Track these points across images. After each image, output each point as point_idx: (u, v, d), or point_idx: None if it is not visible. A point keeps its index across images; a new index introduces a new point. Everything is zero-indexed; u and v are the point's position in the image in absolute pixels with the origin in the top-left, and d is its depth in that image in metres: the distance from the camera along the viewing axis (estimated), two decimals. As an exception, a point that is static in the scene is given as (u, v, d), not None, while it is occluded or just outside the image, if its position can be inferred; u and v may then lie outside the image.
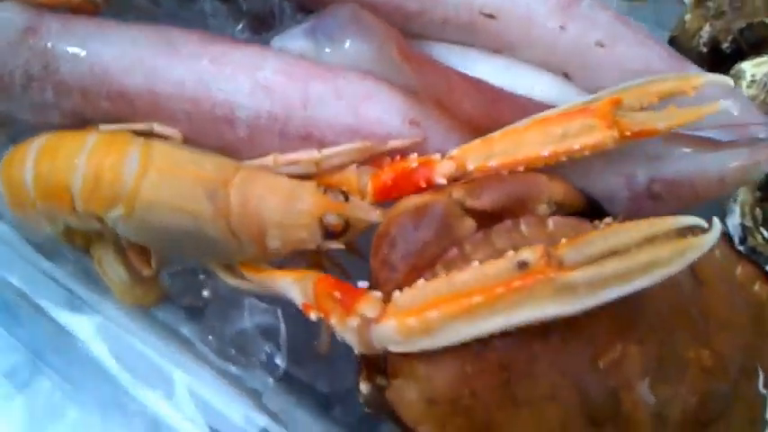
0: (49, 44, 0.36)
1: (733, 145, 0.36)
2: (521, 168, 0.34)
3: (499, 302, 0.29)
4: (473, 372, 0.31)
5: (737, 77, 0.42)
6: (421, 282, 0.31)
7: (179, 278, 0.39)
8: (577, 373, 0.31)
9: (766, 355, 0.34)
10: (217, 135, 0.36)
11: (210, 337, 0.38)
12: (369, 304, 0.30)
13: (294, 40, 0.39)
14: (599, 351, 0.31)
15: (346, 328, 0.31)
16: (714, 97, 0.34)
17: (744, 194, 0.40)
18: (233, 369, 0.37)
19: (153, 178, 0.33)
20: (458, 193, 0.34)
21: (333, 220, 0.34)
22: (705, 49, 0.45)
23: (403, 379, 0.32)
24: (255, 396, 0.37)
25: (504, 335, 0.30)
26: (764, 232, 0.40)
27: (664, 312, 0.32)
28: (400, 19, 0.40)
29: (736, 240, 0.40)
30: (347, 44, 0.38)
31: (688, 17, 0.46)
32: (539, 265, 0.29)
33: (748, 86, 0.41)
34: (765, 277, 0.35)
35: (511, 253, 0.30)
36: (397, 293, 0.31)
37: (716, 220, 0.30)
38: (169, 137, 0.36)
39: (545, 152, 0.34)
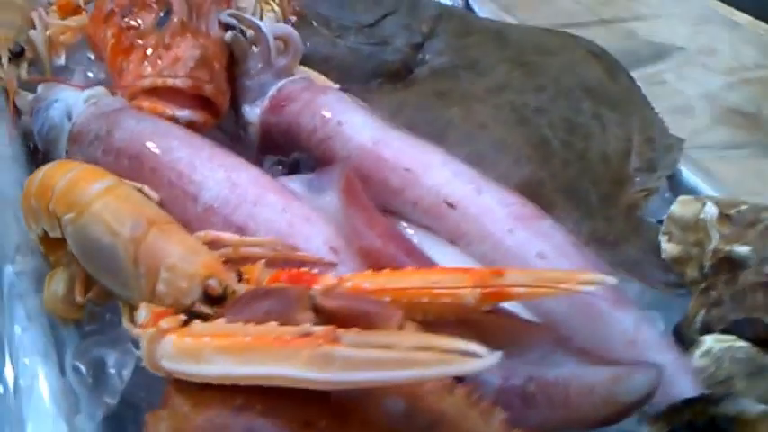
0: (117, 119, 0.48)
1: (615, 364, 0.34)
2: (387, 296, 0.35)
3: (264, 349, 0.30)
4: (225, 423, 0.30)
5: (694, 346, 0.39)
6: (222, 319, 0.32)
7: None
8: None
9: None
10: (182, 207, 0.43)
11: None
12: (170, 320, 0.32)
13: (293, 182, 0.46)
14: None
15: (143, 336, 0.32)
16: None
17: None
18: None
19: (106, 199, 0.40)
20: (316, 291, 0.35)
21: (214, 284, 0.37)
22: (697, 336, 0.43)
23: (167, 410, 0.32)
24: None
25: (267, 411, 0.30)
26: None
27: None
28: (385, 194, 0.45)
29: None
30: (325, 197, 0.44)
31: (691, 304, 0.45)
32: (319, 333, 0.30)
33: (701, 356, 0.38)
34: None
35: (308, 324, 0.31)
36: (197, 321, 0.33)
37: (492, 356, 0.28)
38: (150, 198, 0.43)
39: (408, 285, 0.35)
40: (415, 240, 0.44)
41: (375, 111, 0.51)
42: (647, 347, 0.38)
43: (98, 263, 0.40)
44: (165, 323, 0.32)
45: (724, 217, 0.46)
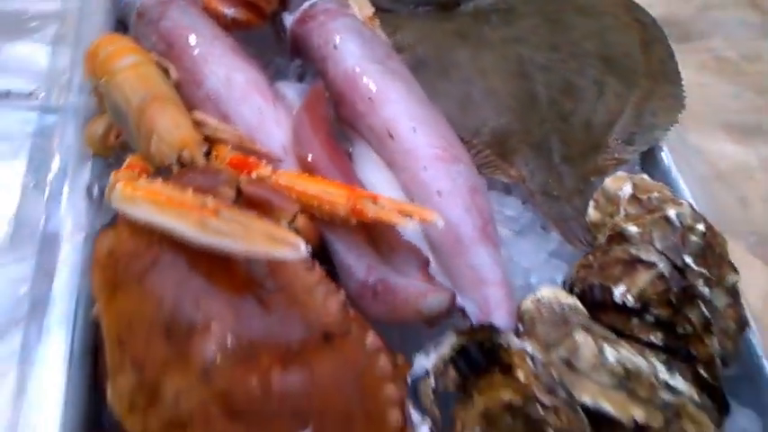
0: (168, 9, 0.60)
1: (435, 284, 0.44)
2: (293, 194, 0.46)
3: (171, 207, 0.42)
4: (140, 252, 0.44)
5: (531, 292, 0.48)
6: (159, 179, 0.45)
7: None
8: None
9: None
10: (189, 90, 0.55)
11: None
12: (125, 174, 0.45)
13: (288, 88, 0.57)
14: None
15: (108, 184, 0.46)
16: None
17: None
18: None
19: (129, 74, 0.53)
20: (243, 177, 0.47)
21: (186, 154, 0.50)
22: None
23: (112, 231, 0.45)
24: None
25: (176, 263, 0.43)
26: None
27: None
28: (353, 115, 0.55)
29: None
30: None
31: (576, 264, 0.52)
32: (209, 207, 0.42)
33: (531, 301, 0.47)
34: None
35: (211, 197, 0.43)
36: (144, 178, 0.45)
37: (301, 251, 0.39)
38: (170, 73, 0.56)
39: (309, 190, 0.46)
40: (364, 157, 0.54)
41: (378, 42, 0.60)
42: (485, 280, 0.47)
43: (118, 120, 0.54)
44: (120, 175, 0.45)
45: (634, 198, 0.52)
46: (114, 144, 0.56)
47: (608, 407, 0.40)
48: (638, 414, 0.40)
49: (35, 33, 0.76)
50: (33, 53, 0.74)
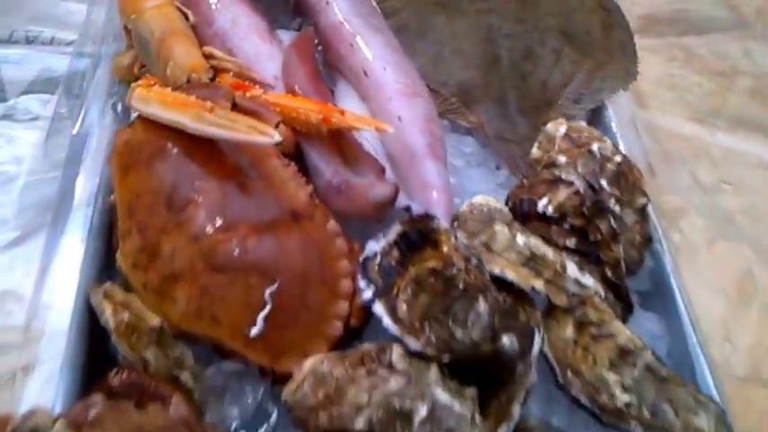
0: None
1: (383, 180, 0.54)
2: (276, 108, 0.57)
3: (176, 105, 0.53)
4: (150, 142, 0.54)
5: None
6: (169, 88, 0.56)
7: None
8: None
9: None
10: (202, 29, 0.66)
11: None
12: (143, 83, 0.56)
13: (284, 34, 0.68)
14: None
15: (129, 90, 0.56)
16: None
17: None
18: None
19: (154, 12, 0.64)
20: (239, 95, 0.58)
21: (194, 77, 0.61)
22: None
23: (130, 128, 0.56)
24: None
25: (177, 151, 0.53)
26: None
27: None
28: (336, 58, 0.66)
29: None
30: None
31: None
32: (206, 105, 0.52)
33: (467, 205, 0.56)
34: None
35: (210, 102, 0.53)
36: (158, 86, 0.56)
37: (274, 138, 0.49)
38: (189, 17, 0.67)
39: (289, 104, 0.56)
40: (343, 93, 0.64)
41: (365, 2, 0.70)
42: (430, 185, 0.56)
43: (142, 50, 0.65)
44: (138, 83, 0.56)
45: (567, 136, 0.62)
46: (138, 74, 0.67)
47: (512, 275, 0.49)
48: (538, 284, 0.49)
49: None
50: (76, 9, 0.86)
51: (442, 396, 0.42)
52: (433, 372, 0.44)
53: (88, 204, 0.57)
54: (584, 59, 0.75)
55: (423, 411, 0.42)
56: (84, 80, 0.75)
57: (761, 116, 1.00)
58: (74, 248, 0.56)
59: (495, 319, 0.44)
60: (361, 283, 0.51)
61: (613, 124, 0.72)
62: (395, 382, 0.43)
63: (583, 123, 0.65)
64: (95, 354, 0.51)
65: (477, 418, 0.43)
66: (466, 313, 0.45)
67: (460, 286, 0.46)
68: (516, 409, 0.45)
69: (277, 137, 0.49)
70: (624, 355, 0.51)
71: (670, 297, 0.59)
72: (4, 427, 0.38)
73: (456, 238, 0.50)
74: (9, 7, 0.86)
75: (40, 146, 0.71)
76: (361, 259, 0.52)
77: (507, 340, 0.44)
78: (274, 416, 0.51)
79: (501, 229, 0.52)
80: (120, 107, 0.65)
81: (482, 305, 0.45)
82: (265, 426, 0.50)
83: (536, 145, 0.64)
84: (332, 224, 0.53)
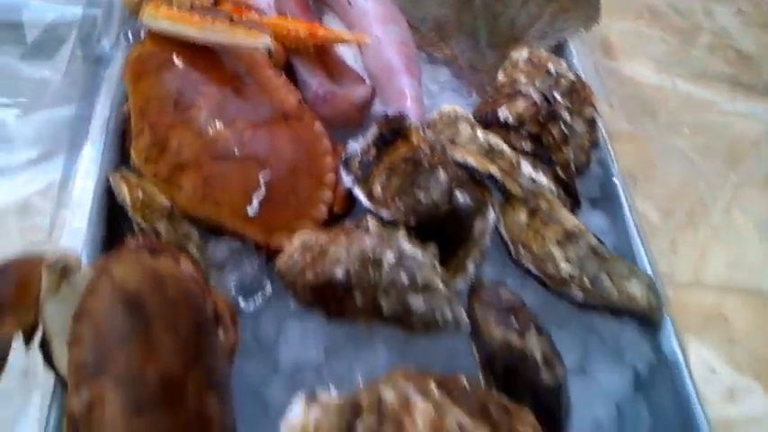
0: None
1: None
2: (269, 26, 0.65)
3: (182, 20, 0.61)
4: (159, 53, 0.62)
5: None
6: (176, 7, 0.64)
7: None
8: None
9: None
10: None
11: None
12: (154, 2, 0.64)
13: None
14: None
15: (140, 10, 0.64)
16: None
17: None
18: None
19: None
20: (236, 15, 0.66)
21: (196, 3, 0.68)
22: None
23: (139, 43, 0.64)
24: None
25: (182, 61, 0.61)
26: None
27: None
28: None
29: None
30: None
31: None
32: (209, 17, 0.60)
33: (437, 111, 0.64)
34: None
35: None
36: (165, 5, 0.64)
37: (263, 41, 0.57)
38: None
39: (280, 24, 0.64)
40: (329, 23, 0.72)
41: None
42: (404, 95, 0.65)
43: None
44: (149, 4, 0.64)
45: (529, 60, 0.70)
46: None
47: (471, 161, 0.57)
48: (494, 170, 0.58)
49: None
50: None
51: (408, 247, 0.51)
52: (401, 232, 0.52)
53: (105, 119, 0.65)
54: (549, 3, 0.83)
55: (391, 258, 0.50)
56: (97, 21, 0.83)
57: (719, 69, 1.08)
58: (92, 155, 0.63)
59: (452, 184, 0.53)
60: (343, 175, 0.59)
61: (575, 60, 0.80)
62: (369, 240, 0.51)
63: (543, 51, 0.73)
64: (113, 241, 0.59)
65: (437, 266, 0.51)
66: (428, 181, 0.53)
67: (425, 164, 0.54)
68: (471, 266, 0.53)
69: (269, 40, 0.57)
70: (570, 236, 0.59)
71: (615, 199, 0.67)
72: (39, 265, 0.46)
73: (424, 132, 0.59)
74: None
75: (57, 80, 0.79)
76: (343, 157, 0.60)
77: (461, 197, 0.52)
78: (269, 287, 0.58)
79: (464, 127, 0.60)
80: (131, 36, 0.72)
81: (442, 174, 0.53)
82: (260, 293, 0.58)
83: (501, 71, 0.73)
84: (318, 126, 0.61)
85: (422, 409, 0.43)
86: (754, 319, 0.79)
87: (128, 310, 0.43)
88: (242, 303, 0.57)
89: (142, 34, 0.68)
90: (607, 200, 0.68)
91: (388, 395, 0.44)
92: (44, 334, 0.46)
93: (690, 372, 0.56)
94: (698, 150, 0.95)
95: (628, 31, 1.13)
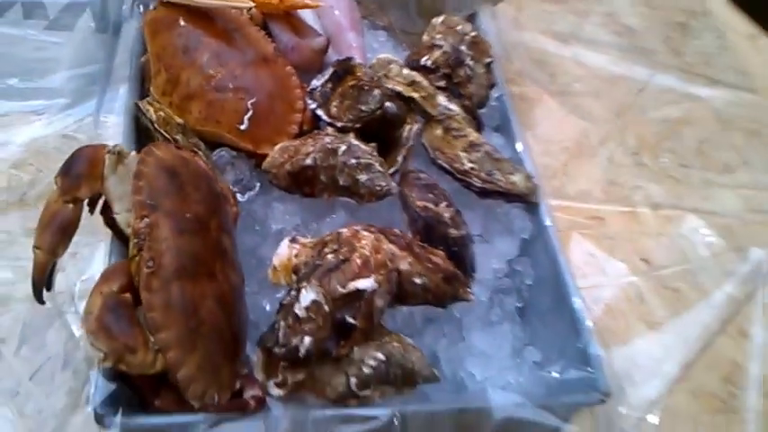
0: None
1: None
2: None
3: None
4: (169, 15, 0.84)
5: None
6: None
7: None
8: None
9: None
10: None
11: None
12: None
13: None
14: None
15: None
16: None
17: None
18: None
19: None
20: None
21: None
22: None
23: (153, 9, 0.86)
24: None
25: (188, 21, 0.84)
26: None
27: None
28: None
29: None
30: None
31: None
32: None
33: (374, 61, 0.88)
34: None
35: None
36: None
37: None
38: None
39: None
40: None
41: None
42: (352, 46, 0.88)
43: None
44: None
45: (443, 23, 0.94)
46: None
47: (400, 88, 0.81)
48: (416, 95, 0.81)
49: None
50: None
51: (355, 142, 0.74)
52: (351, 134, 0.75)
53: (129, 66, 0.87)
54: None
55: (344, 148, 0.73)
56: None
57: (609, 41, 1.34)
58: (121, 94, 0.85)
59: (384, 99, 0.76)
60: (309, 101, 0.82)
61: (482, 27, 1.04)
62: (328, 139, 0.74)
63: (455, 17, 0.97)
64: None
65: (376, 154, 0.74)
66: (367, 97, 0.76)
67: (366, 88, 0.78)
68: (400, 158, 0.76)
69: (251, 3, 0.80)
70: (473, 145, 0.83)
71: (508, 126, 0.92)
72: (102, 150, 0.68)
73: (365, 69, 0.82)
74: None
75: (80, 45, 1.00)
76: (308, 89, 0.83)
77: (391, 106, 0.76)
78: (258, 186, 0.81)
79: (395, 67, 0.84)
80: (141, 7, 0.94)
81: (377, 92, 0.76)
82: (251, 192, 0.80)
83: (425, 34, 0.96)
84: (289, 67, 0.84)
85: (367, 237, 0.66)
86: (625, 223, 1.04)
87: (167, 174, 0.65)
88: (239, 196, 0.79)
89: (151, 6, 0.89)
90: (505, 128, 0.93)
91: (344, 231, 0.67)
92: (106, 201, 0.68)
93: (558, 239, 0.80)
94: (587, 101, 1.21)
95: (535, 13, 1.38)
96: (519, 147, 0.88)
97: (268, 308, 0.72)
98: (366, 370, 0.63)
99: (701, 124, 1.21)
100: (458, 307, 0.75)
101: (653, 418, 0.81)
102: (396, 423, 0.62)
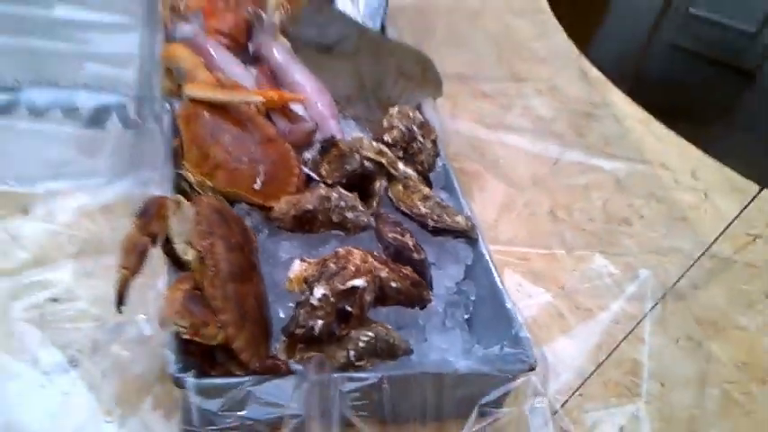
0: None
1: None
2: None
3: (210, 89, 1.14)
4: (198, 109, 1.14)
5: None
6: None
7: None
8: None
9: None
10: (211, 65, 1.28)
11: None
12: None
13: (250, 69, 1.31)
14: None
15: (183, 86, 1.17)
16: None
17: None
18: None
19: (186, 57, 1.25)
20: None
21: (211, 86, 1.22)
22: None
23: (184, 104, 1.16)
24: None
25: (212, 114, 1.14)
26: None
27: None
28: (284, 83, 1.29)
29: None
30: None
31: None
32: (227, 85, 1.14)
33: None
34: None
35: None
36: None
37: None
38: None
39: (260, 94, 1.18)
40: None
41: (291, 54, 1.34)
42: (334, 130, 1.19)
43: (180, 77, 1.26)
44: (188, 83, 1.16)
45: (399, 112, 1.26)
46: (177, 91, 1.27)
47: (371, 155, 1.11)
48: (384, 161, 1.12)
49: None
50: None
51: (342, 191, 1.03)
52: (338, 187, 1.05)
53: (164, 150, 1.15)
54: (409, 84, 1.41)
55: (335, 195, 1.02)
56: (128, 104, 1.34)
57: (527, 127, 1.69)
58: (159, 173, 1.13)
59: (362, 160, 1.06)
60: (304, 168, 1.12)
61: (426, 114, 1.36)
62: (323, 190, 1.04)
63: (406, 108, 1.29)
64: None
65: (358, 200, 1.04)
66: (350, 160, 1.06)
67: (347, 154, 1.08)
68: (374, 204, 1.06)
69: (259, 99, 1.10)
70: (426, 197, 1.12)
71: (451, 186, 1.23)
72: (166, 199, 0.95)
73: (345, 143, 1.13)
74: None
75: (113, 138, 1.29)
76: (302, 160, 1.13)
77: (368, 165, 1.06)
78: (266, 231, 1.09)
79: (366, 140, 1.14)
80: (169, 106, 1.23)
81: (357, 156, 1.07)
82: (261, 234, 1.08)
83: (385, 120, 1.27)
84: (287, 145, 1.14)
85: (356, 253, 0.95)
86: (546, 262, 1.35)
87: (216, 213, 0.93)
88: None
89: (176, 106, 1.19)
90: (449, 187, 1.24)
91: (340, 250, 0.95)
92: (167, 236, 0.95)
93: (494, 265, 1.09)
94: (512, 172, 1.53)
95: (467, 106, 1.72)
96: (460, 199, 1.19)
97: (281, 314, 0.98)
98: (361, 344, 0.90)
99: (605, 189, 1.54)
100: (421, 315, 1.03)
101: (574, 401, 1.08)
102: (384, 384, 0.89)
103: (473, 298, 1.10)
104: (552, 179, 1.53)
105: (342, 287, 0.89)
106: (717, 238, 1.39)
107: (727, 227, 1.44)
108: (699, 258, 1.31)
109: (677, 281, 1.29)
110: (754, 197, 1.50)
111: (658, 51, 4.75)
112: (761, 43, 5.11)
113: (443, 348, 1.03)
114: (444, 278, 1.09)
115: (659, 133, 1.73)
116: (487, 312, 1.07)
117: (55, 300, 1.04)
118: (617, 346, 1.16)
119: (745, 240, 1.45)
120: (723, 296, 1.31)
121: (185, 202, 0.96)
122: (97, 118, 1.34)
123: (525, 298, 1.24)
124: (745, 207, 1.47)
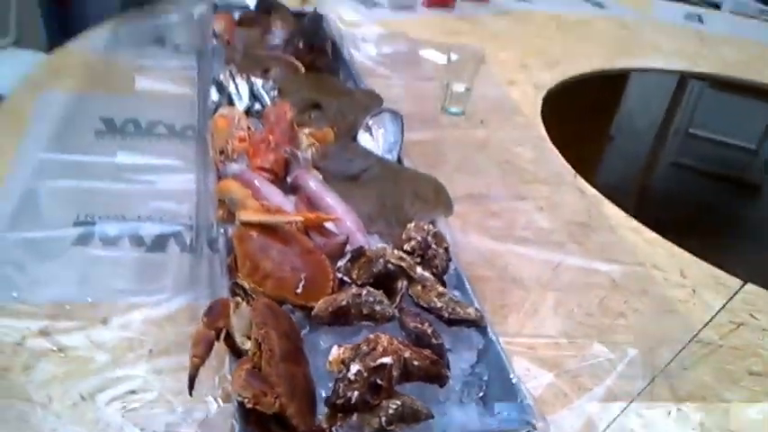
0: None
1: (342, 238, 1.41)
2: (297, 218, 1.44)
3: (259, 215, 1.39)
4: (248, 230, 1.39)
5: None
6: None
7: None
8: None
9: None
10: (257, 195, 1.54)
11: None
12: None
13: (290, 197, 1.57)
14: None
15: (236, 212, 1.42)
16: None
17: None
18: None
19: (236, 190, 1.52)
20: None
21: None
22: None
23: (238, 228, 1.41)
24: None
25: (261, 234, 1.39)
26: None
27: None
28: (317, 205, 1.54)
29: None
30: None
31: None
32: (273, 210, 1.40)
33: None
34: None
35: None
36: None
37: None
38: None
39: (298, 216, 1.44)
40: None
41: (323, 183, 1.60)
42: (360, 240, 1.42)
43: (233, 206, 1.52)
44: (240, 210, 1.42)
45: (415, 226, 1.50)
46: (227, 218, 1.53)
47: (394, 260, 1.34)
48: (404, 265, 1.34)
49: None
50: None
51: (371, 290, 1.26)
52: (367, 287, 1.28)
53: (221, 265, 1.40)
54: (425, 205, 1.66)
55: (364, 292, 1.24)
56: (183, 231, 1.60)
57: (530, 238, 1.92)
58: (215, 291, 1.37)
59: (386, 263, 1.29)
60: (338, 274, 1.35)
61: (439, 227, 1.60)
62: (354, 290, 1.26)
63: (422, 223, 1.53)
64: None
65: (385, 299, 1.26)
66: (376, 264, 1.29)
67: (374, 260, 1.31)
68: (398, 299, 1.28)
69: (301, 219, 1.35)
70: (441, 294, 1.34)
71: (462, 286, 1.45)
72: (227, 300, 1.18)
73: (371, 252, 1.36)
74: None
75: (173, 260, 1.54)
76: (336, 267, 1.37)
77: (391, 266, 1.28)
78: (307, 329, 1.30)
79: (388, 249, 1.38)
80: (223, 230, 1.48)
81: (381, 260, 1.30)
82: (304, 331, 1.30)
83: (404, 234, 1.51)
84: (324, 257, 1.37)
85: (384, 338, 1.16)
86: (549, 348, 1.54)
87: (269, 310, 1.15)
88: (297, 333, 1.28)
89: (229, 229, 1.44)
90: (459, 287, 1.46)
91: (371, 336, 1.17)
92: (228, 332, 1.17)
93: (503, 348, 1.29)
94: (518, 277, 1.74)
95: (476, 223, 1.96)
96: (471, 296, 1.40)
97: (324, 394, 1.18)
98: (391, 411, 1.09)
99: (602, 287, 1.74)
100: (441, 392, 1.22)
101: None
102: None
103: (486, 378, 1.28)
104: (555, 281, 1.73)
105: (373, 364, 1.09)
106: (705, 325, 1.59)
107: (715, 315, 1.64)
108: (688, 343, 1.50)
109: (669, 363, 1.47)
110: (738, 291, 1.70)
111: (661, 170, 5.05)
112: (762, 159, 5.41)
113: (461, 421, 1.21)
114: (460, 361, 1.29)
115: (649, 238, 1.95)
116: (497, 389, 1.25)
117: (133, 392, 1.25)
118: (614, 419, 1.33)
119: (730, 328, 1.63)
120: (710, 375, 1.48)
121: (243, 302, 1.18)
122: (158, 244, 1.60)
123: (531, 380, 1.42)
124: (731, 299, 1.68)
